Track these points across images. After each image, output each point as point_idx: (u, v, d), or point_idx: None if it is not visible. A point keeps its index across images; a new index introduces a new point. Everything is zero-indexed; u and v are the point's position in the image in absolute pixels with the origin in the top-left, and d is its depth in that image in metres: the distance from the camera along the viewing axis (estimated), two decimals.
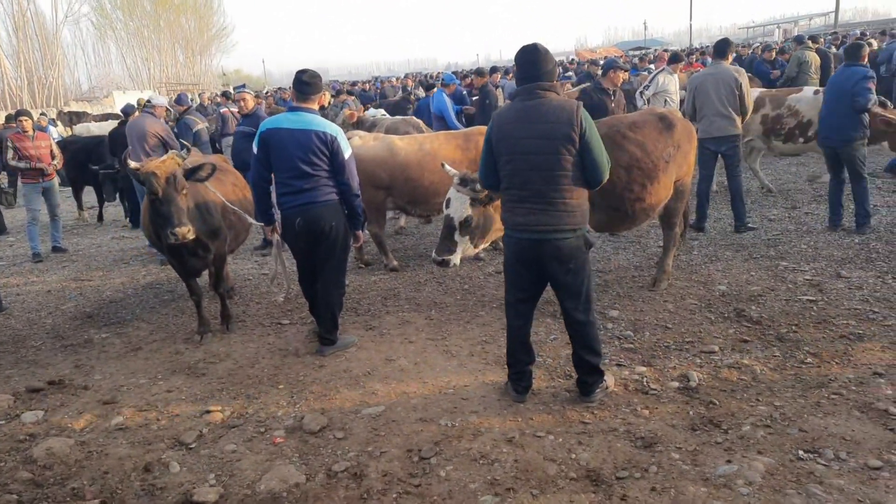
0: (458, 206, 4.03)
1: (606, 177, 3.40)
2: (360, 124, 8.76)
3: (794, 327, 4.39)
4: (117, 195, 9.95)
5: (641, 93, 8.73)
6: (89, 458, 3.46)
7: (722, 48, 6.84)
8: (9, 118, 8.51)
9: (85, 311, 6.03)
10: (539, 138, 3.27)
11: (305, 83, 4.27)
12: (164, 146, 7.46)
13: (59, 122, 23.47)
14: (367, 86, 20.26)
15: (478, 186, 3.91)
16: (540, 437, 3.32)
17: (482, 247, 4.28)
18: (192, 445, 3.51)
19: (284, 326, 5.20)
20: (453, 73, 14.63)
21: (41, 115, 18.13)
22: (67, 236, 9.65)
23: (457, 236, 4.06)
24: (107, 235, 9.58)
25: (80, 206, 11.04)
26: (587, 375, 3.63)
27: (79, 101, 36.39)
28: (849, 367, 3.79)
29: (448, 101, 9.14)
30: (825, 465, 2.92)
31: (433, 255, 4.21)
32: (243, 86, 6.76)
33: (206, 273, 5.36)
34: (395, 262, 6.46)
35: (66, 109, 29.05)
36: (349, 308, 5.42)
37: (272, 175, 4.34)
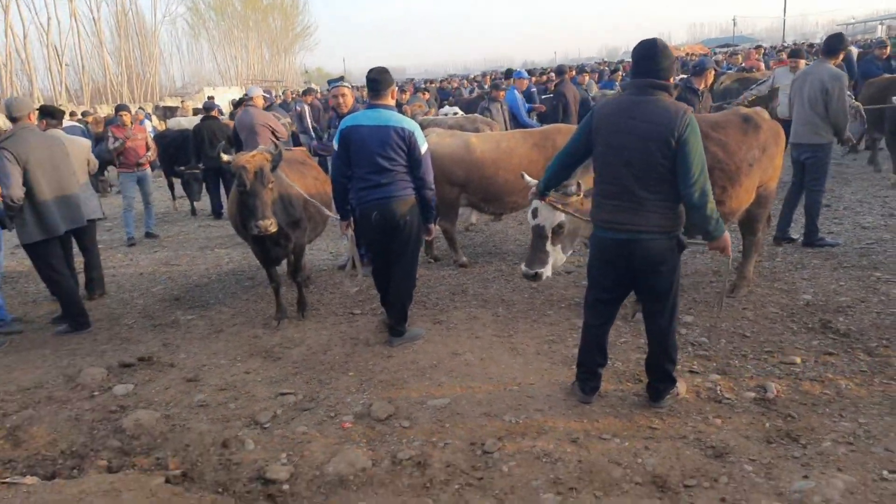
0: (549, 213, 3.79)
1: (697, 192, 3.10)
2: None
3: (884, 342, 4.13)
4: (202, 191, 10.50)
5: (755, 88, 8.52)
6: (173, 430, 3.68)
7: (828, 45, 6.17)
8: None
9: (173, 293, 6.40)
10: (636, 136, 3.14)
11: (375, 80, 4.41)
12: (275, 136, 7.91)
13: (154, 116, 24.96)
14: (444, 83, 20.42)
15: (571, 189, 3.74)
16: (605, 439, 3.28)
17: (569, 254, 4.07)
18: (267, 425, 3.68)
19: (356, 316, 5.34)
20: (527, 70, 14.52)
21: (139, 109, 19.31)
22: (160, 224, 10.24)
23: (548, 246, 3.84)
24: (195, 224, 10.12)
25: (172, 196, 11.69)
26: (659, 381, 3.55)
27: (173, 96, 38.49)
28: None
29: (520, 98, 9.10)
30: None
31: (523, 268, 3.94)
32: (341, 78, 6.34)
33: (285, 262, 5.58)
34: (465, 259, 6.51)
35: (161, 104, 30.87)
36: (418, 301, 5.50)
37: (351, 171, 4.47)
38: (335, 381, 4.17)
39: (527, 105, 9.79)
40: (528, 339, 4.63)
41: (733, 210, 4.63)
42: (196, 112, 20.56)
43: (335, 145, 4.43)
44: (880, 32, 40.48)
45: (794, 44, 30.31)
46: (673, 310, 3.40)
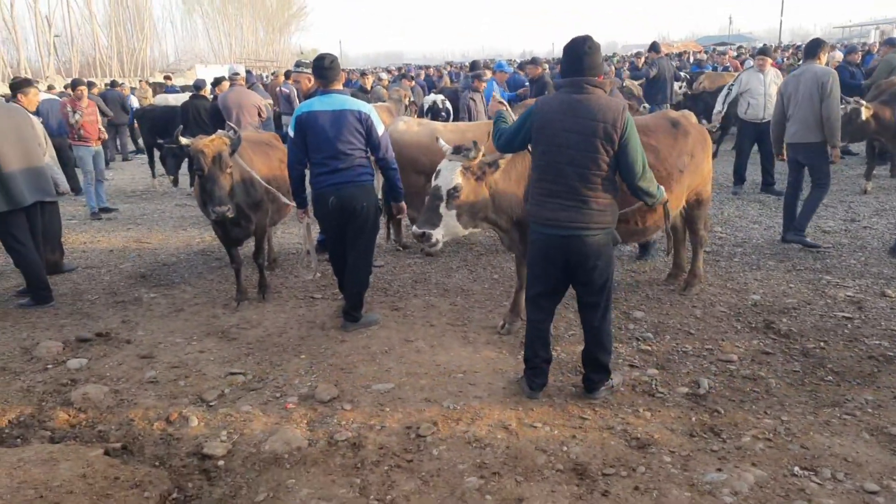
0: (448, 175, 3.77)
1: (643, 184, 3.34)
2: None
3: (822, 343, 4.26)
4: (179, 168, 10.59)
5: (727, 93, 8.42)
6: (120, 405, 3.76)
7: (809, 49, 6.38)
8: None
9: (140, 271, 6.45)
10: (580, 134, 3.24)
11: (328, 69, 4.47)
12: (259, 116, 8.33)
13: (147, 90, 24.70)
14: (431, 71, 20.37)
15: (472, 154, 3.78)
16: (536, 427, 3.38)
17: (471, 230, 4.07)
18: (213, 403, 3.76)
19: (316, 300, 5.42)
20: (507, 61, 14.54)
21: (123, 83, 19.17)
22: (137, 201, 10.32)
23: (443, 208, 3.79)
24: (172, 202, 10.13)
25: (153, 174, 11.66)
26: (594, 373, 3.65)
27: (164, 72, 38.13)
28: (870, 389, 3.66)
29: (497, 90, 9.16)
30: (819, 483, 2.87)
31: (413, 227, 3.89)
32: (298, 64, 6.43)
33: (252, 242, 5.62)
34: (431, 250, 6.57)
35: (150, 80, 30.61)
36: (379, 288, 5.59)
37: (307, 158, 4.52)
38: (286, 363, 4.25)
39: (507, 94, 9.86)
40: (481, 328, 4.73)
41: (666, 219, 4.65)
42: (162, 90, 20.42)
43: (290, 132, 4.47)
44: (874, 37, 40.63)
45: (780, 45, 30.43)
46: (607, 302, 3.50)
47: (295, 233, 7.65)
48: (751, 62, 16.64)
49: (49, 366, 4.31)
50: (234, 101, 8.34)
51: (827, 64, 6.47)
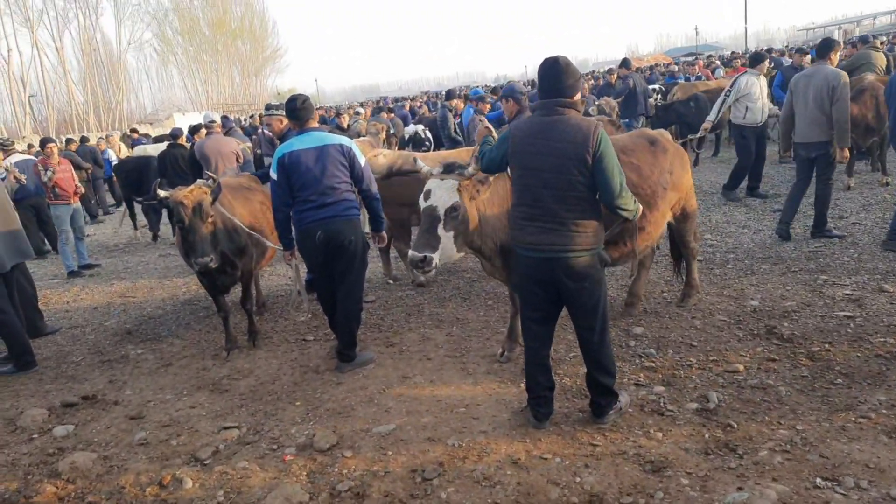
0: (443, 194, 3.54)
1: (622, 202, 3.22)
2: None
3: (826, 345, 4.18)
4: (160, 220, 10.54)
5: (724, 100, 8.33)
6: (110, 472, 3.59)
7: (822, 49, 6.49)
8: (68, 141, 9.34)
9: (126, 327, 6.28)
10: (552, 156, 3.18)
11: (301, 109, 4.46)
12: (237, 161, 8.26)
13: (122, 144, 24.65)
14: (411, 103, 20.34)
15: (468, 170, 3.62)
16: (546, 459, 3.25)
17: (459, 255, 3.82)
18: (207, 462, 3.60)
19: (309, 343, 5.28)
20: (483, 87, 14.67)
21: (99, 138, 19.08)
22: (119, 255, 10.14)
23: (440, 230, 3.56)
24: (155, 253, 9.98)
25: (134, 226, 11.53)
26: (600, 397, 3.53)
27: (142, 123, 38.18)
28: (881, 389, 3.58)
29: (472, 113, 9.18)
30: (843, 494, 2.76)
31: (411, 252, 3.60)
32: (268, 108, 6.41)
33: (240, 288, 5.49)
34: (423, 278, 6.48)
35: (128, 132, 30.57)
36: (372, 324, 5.46)
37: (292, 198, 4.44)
38: (281, 412, 4.10)
39: (491, 114, 9.92)
40: (480, 358, 4.61)
41: (653, 236, 4.58)
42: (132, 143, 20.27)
43: (273, 174, 4.39)
44: (837, 37, 41.52)
45: (757, 50, 30.94)
46: (603, 324, 3.38)
47: (282, 274, 7.52)
48: (721, 72, 16.90)
49: (34, 435, 4.13)
50: (213, 148, 8.26)
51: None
